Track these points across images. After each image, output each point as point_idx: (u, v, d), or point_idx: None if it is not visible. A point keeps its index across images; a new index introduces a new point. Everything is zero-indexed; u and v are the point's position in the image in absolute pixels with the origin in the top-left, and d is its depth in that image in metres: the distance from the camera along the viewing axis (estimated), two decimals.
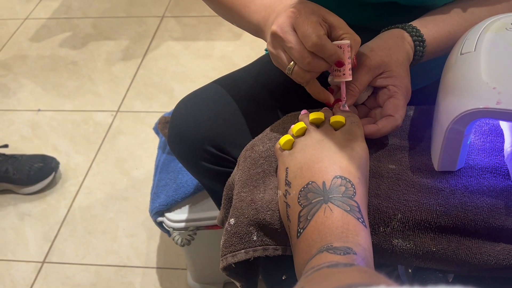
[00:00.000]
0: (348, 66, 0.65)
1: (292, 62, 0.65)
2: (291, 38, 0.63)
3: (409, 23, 0.71)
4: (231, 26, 0.80)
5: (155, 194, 1.15)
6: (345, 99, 0.67)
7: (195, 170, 0.86)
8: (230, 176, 0.74)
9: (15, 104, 1.95)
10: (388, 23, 0.73)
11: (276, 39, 0.65)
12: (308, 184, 0.58)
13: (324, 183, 0.58)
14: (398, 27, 0.71)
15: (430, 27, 0.71)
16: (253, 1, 0.71)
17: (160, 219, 1.13)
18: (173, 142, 0.85)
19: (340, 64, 0.64)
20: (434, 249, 0.61)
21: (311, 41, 0.61)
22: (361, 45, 0.69)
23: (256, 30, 0.72)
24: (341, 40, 0.64)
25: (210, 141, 0.81)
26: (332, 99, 0.69)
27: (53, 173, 1.61)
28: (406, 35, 0.70)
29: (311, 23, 0.62)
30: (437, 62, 0.77)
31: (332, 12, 0.66)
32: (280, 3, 0.68)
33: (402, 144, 0.70)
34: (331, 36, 0.65)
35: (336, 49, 0.63)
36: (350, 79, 0.66)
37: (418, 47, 0.70)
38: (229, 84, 0.86)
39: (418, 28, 0.70)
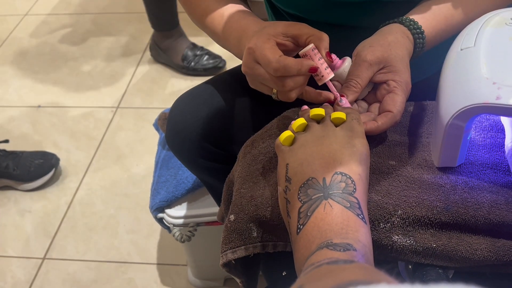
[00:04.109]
0: (322, 66, 0.66)
1: (273, 89, 0.67)
2: (259, 72, 0.66)
3: (406, 17, 0.71)
4: None
5: (155, 190, 1.15)
6: (338, 95, 0.68)
7: (193, 167, 0.86)
8: (228, 172, 0.74)
9: (15, 100, 1.95)
10: (377, 20, 0.73)
11: (250, 77, 0.69)
12: (308, 180, 0.58)
13: (324, 179, 0.57)
14: (395, 22, 0.71)
15: (427, 16, 0.71)
16: (230, 35, 0.74)
17: (160, 215, 1.13)
18: (171, 139, 0.85)
19: (314, 70, 0.65)
20: (435, 245, 0.61)
21: (272, 69, 0.64)
22: (360, 42, 0.70)
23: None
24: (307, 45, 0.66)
25: (206, 138, 0.81)
26: (331, 96, 0.69)
27: (53, 170, 1.61)
28: (405, 29, 0.70)
29: (267, 51, 0.64)
30: (435, 54, 0.77)
31: (290, 22, 0.69)
32: (246, 38, 0.70)
33: (402, 140, 0.70)
34: (300, 45, 0.68)
35: (300, 63, 0.64)
36: (332, 75, 0.67)
37: (418, 40, 0.70)
38: (228, 81, 0.86)
39: (415, 21, 0.70)
